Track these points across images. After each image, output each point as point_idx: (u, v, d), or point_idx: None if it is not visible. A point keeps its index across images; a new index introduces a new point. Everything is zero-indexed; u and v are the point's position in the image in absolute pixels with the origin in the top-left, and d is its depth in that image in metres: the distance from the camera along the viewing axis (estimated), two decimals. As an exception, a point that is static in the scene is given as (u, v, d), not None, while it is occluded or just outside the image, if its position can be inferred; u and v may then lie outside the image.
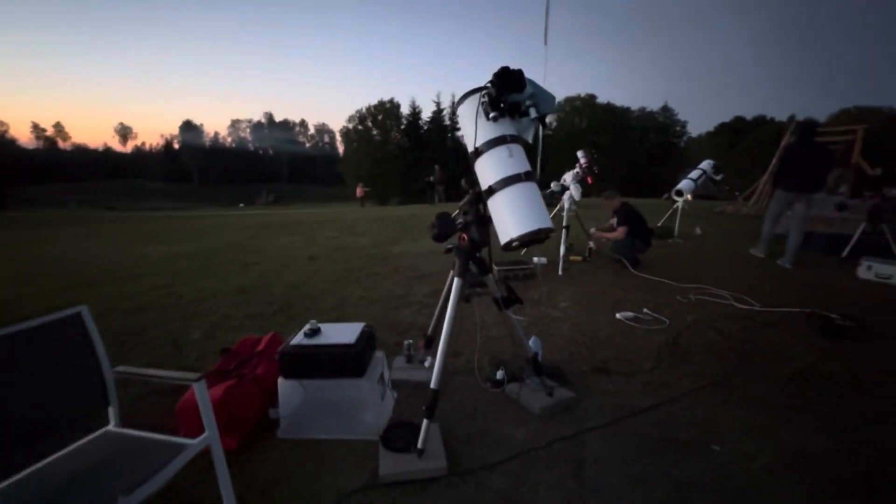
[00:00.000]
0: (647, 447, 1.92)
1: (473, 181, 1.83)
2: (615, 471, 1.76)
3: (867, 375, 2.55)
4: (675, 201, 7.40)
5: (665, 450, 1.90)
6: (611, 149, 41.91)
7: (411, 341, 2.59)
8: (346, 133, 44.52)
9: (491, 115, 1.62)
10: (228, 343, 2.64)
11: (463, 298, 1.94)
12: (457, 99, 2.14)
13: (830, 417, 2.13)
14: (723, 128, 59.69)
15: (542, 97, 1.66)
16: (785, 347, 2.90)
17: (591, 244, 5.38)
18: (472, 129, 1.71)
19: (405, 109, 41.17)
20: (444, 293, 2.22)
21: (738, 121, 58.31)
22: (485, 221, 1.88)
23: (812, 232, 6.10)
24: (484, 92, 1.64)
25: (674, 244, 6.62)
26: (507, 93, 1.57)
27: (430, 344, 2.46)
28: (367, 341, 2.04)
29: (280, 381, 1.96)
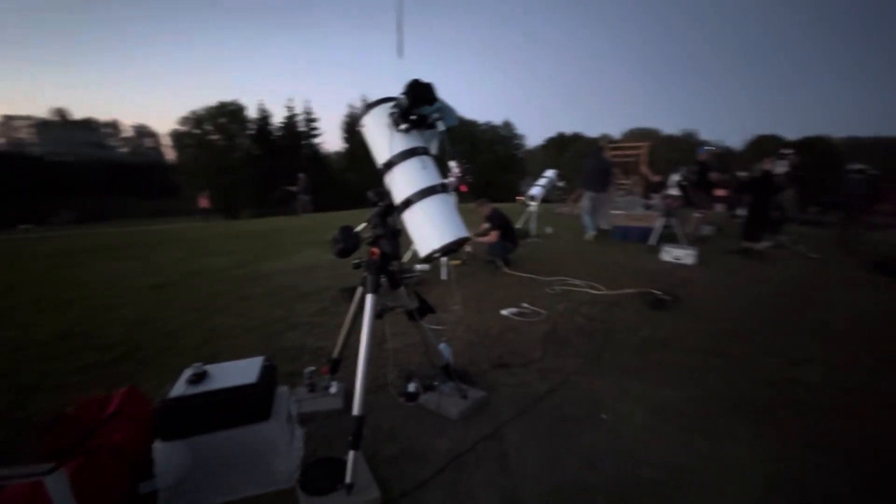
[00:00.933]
0: (553, 428, 2.13)
1: (383, 193, 1.78)
2: (534, 456, 1.92)
3: (689, 336, 3.31)
4: (528, 205, 8.42)
5: (567, 427, 2.15)
6: (466, 157, 45.47)
7: (313, 368, 2.37)
8: (177, 137, 38.15)
9: (402, 126, 1.60)
10: (55, 411, 2.01)
11: (377, 314, 1.86)
12: (360, 109, 2.04)
13: (674, 374, 2.70)
14: (550, 141, 70.33)
15: (447, 110, 1.71)
16: (631, 322, 3.57)
17: (469, 248, 5.75)
18: (382, 140, 1.66)
19: (252, 113, 37.28)
20: (351, 311, 2.10)
21: (560, 136, 69.41)
22: (396, 234, 1.84)
23: (628, 227, 7.67)
24: (394, 103, 1.61)
25: (532, 243, 7.52)
26: (418, 105, 1.58)
27: (336, 368, 2.30)
28: (270, 377, 1.79)
29: (157, 445, 1.58)
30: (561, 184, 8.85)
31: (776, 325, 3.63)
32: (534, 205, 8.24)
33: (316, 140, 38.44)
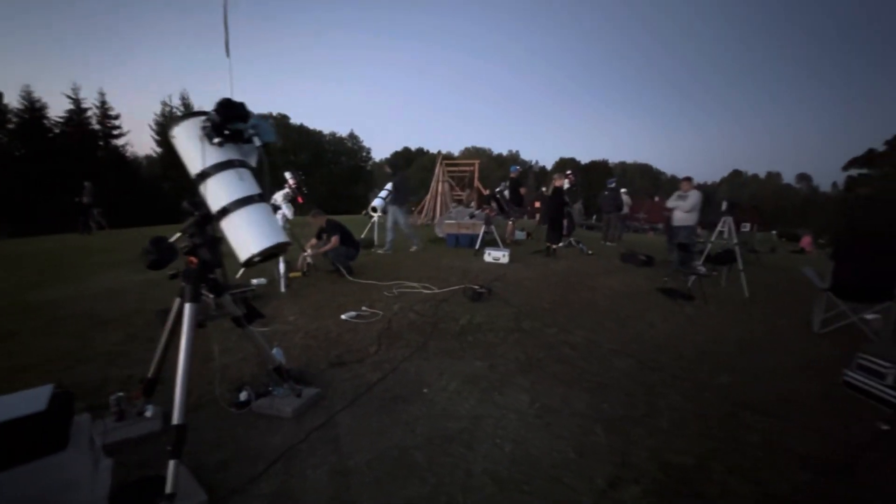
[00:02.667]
0: (382, 408, 2.44)
1: (198, 203, 1.81)
2: (363, 433, 2.18)
3: (498, 319, 4.06)
4: (371, 216, 8.75)
5: (395, 404, 2.48)
6: (309, 169, 43.58)
7: (121, 394, 2.15)
8: None
9: (216, 140, 1.69)
10: None
11: (198, 324, 1.87)
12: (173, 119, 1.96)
13: (482, 351, 3.32)
14: (396, 155, 72.89)
15: (263, 127, 1.86)
16: (454, 313, 4.17)
17: (309, 260, 5.72)
18: (195, 151, 1.71)
19: (13, 102, 28.03)
20: (168, 324, 2.02)
21: (406, 150, 72.68)
22: (216, 242, 1.89)
23: (459, 234, 8.69)
24: (205, 118, 1.69)
25: (375, 252, 7.86)
26: (230, 122, 1.69)
27: (152, 389, 2.14)
28: (64, 404, 1.62)
29: None
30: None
31: (559, 304, 4.73)
32: (376, 216, 8.61)
33: (118, 141, 31.40)
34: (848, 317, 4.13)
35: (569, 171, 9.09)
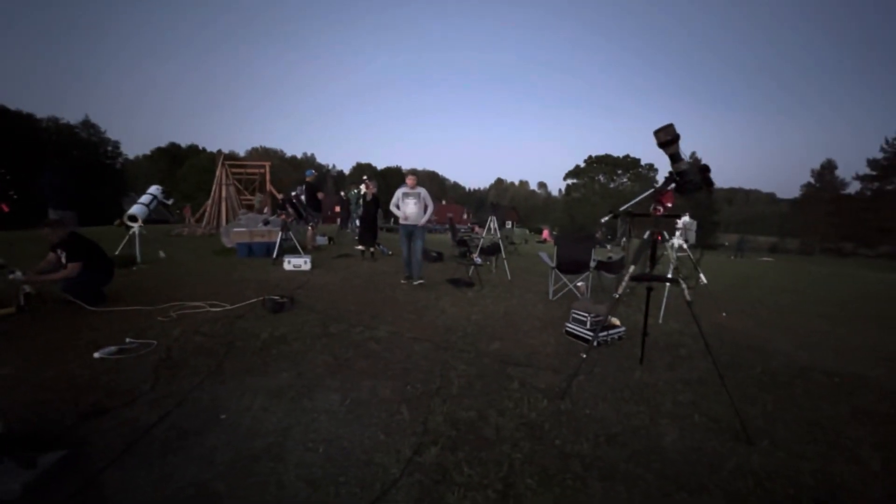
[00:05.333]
0: (167, 450, 2.09)
1: None
2: (142, 483, 1.84)
3: (304, 327, 3.94)
4: (129, 227, 7.04)
5: (184, 441, 2.16)
6: (15, 163, 31.43)
7: None
8: None
9: None
10: None
11: None
12: None
13: (288, 362, 3.20)
14: (161, 152, 60.06)
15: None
16: (254, 329, 3.85)
17: (28, 288, 4.21)
18: None
19: None
20: None
21: (174, 147, 60.75)
22: None
23: (252, 243, 7.92)
24: None
25: (139, 271, 6.38)
26: None
27: None
28: None
29: None
30: (169, 201, 7.91)
31: (363, 303, 4.93)
32: (136, 226, 6.98)
33: None
34: (566, 286, 5.77)
35: (365, 177, 9.46)
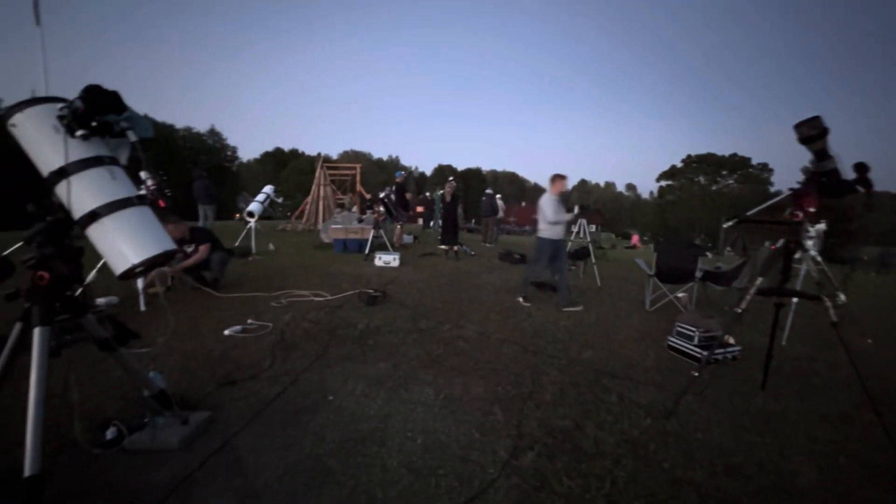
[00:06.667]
0: (286, 422, 2.32)
1: (49, 205, 1.51)
2: (268, 450, 2.06)
3: (396, 321, 4.13)
4: (247, 222, 8.00)
5: (300, 416, 2.38)
6: (159, 166, 37.47)
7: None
8: None
9: (79, 132, 1.44)
10: None
11: (52, 352, 1.55)
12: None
13: (384, 353, 3.37)
14: (268, 156, 67.21)
15: (138, 120, 1.64)
16: (352, 319, 4.12)
17: (172, 275, 4.98)
18: (48, 144, 1.42)
19: None
20: (3, 356, 1.62)
21: (279, 151, 67.58)
22: (75, 253, 1.60)
23: (346, 240, 8.51)
24: (63, 105, 1.42)
25: (254, 261, 7.21)
26: (99, 113, 1.45)
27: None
28: None
29: None
30: (280, 200, 8.83)
31: (449, 301, 5.02)
32: (252, 221, 7.90)
33: None
34: (666, 296, 5.30)
35: (451, 178, 9.64)
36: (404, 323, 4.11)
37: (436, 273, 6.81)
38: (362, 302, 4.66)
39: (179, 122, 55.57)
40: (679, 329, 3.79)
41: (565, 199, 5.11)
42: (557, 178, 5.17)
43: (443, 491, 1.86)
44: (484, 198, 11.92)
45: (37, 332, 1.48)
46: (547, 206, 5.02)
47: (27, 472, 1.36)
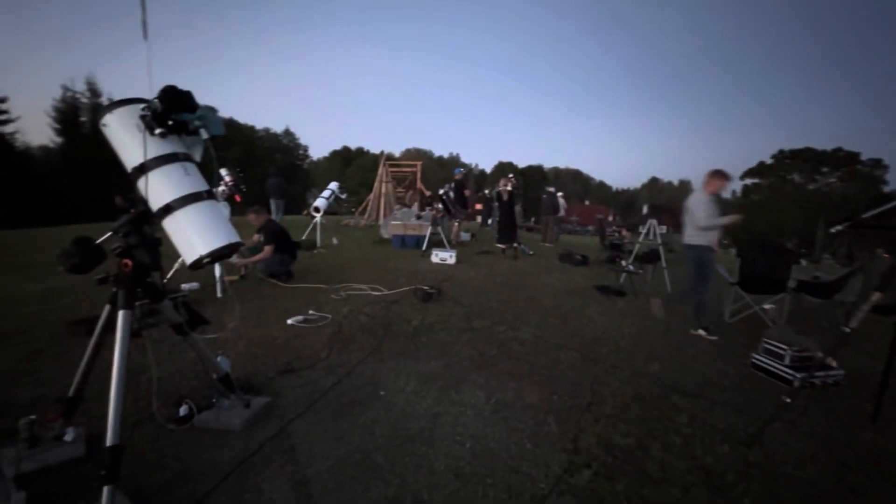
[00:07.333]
0: (339, 414, 2.37)
1: (135, 199, 1.64)
2: (321, 440, 2.11)
3: (450, 319, 4.10)
4: (313, 217, 8.43)
5: (351, 409, 2.42)
6: (241, 165, 41.04)
7: (33, 418, 1.88)
8: None
9: (158, 131, 1.54)
10: None
11: (134, 333, 1.69)
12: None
13: (437, 351, 3.35)
14: (335, 154, 70.68)
15: (211, 119, 1.73)
16: (407, 315, 4.16)
17: (242, 266, 5.37)
18: (131, 142, 1.55)
19: None
20: (95, 336, 1.80)
21: (346, 149, 70.79)
22: (154, 243, 1.72)
23: (405, 235, 8.66)
24: (145, 105, 1.53)
25: (319, 254, 7.58)
26: (175, 112, 1.55)
27: (73, 409, 1.90)
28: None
29: None
30: (344, 196, 9.20)
31: (505, 302, 4.89)
32: (318, 216, 8.31)
33: (6, 129, 26.94)
34: (751, 307, 4.74)
35: (510, 175, 9.43)
36: (458, 321, 4.07)
37: (492, 272, 6.69)
38: (417, 298, 4.69)
39: (260, 124, 60.15)
40: (766, 346, 3.35)
41: (718, 201, 4.25)
42: (715, 174, 4.26)
43: (490, 501, 1.78)
44: (545, 195, 11.56)
45: (120, 314, 1.62)
46: (698, 208, 4.17)
47: (108, 441, 1.49)
